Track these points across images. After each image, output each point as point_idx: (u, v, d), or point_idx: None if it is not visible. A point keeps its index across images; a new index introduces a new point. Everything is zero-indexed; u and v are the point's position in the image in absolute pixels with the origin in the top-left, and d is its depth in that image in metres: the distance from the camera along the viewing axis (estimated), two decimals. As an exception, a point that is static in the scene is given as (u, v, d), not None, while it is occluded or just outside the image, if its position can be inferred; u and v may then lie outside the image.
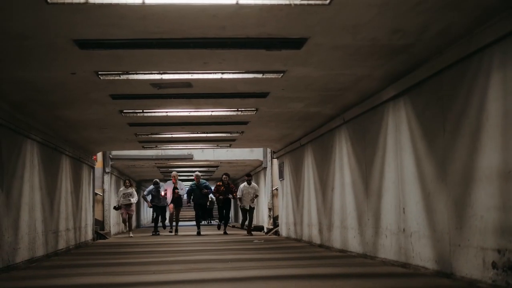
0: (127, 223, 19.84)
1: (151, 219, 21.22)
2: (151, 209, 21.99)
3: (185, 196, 20.16)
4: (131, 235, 19.28)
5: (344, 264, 8.50)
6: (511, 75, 5.21)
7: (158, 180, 21.16)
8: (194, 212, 19.47)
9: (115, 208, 19.60)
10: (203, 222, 45.55)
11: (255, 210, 19.41)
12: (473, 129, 5.87)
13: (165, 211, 21.10)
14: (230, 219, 23.41)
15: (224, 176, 19.00)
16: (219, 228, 19.97)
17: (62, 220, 12.54)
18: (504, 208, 5.30)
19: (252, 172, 26.15)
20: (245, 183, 18.49)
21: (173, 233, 19.61)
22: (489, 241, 5.55)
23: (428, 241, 6.93)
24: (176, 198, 19.65)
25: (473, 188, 5.84)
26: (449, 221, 6.38)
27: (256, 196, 18.44)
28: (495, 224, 5.45)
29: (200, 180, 19.10)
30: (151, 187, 21.01)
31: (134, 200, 19.42)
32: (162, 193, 20.18)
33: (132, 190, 19.55)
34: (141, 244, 14.72)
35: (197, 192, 18.92)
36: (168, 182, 20.16)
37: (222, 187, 18.72)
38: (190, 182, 20.03)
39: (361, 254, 9.35)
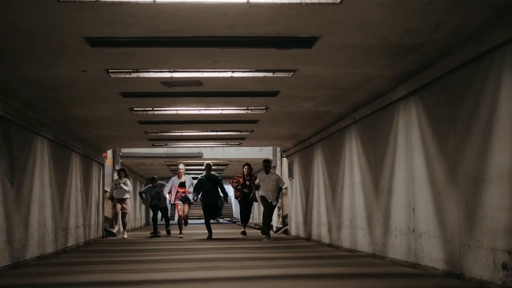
0: (119, 221, 17.32)
1: (152, 219, 18.25)
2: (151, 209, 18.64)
3: (190, 195, 15.97)
4: (125, 236, 16.80)
5: (353, 264, 8.48)
6: (523, 75, 5.18)
7: (156, 177, 18.19)
8: (203, 212, 15.46)
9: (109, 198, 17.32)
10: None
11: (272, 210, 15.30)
12: (484, 129, 5.84)
13: (168, 212, 18.76)
14: (249, 219, 18.83)
15: (245, 167, 16.15)
16: (244, 233, 16.46)
17: (71, 217, 12.59)
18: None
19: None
20: (263, 172, 15.05)
21: (181, 235, 16.33)
22: (500, 242, 5.52)
23: (438, 241, 6.90)
24: (184, 197, 16.11)
25: (484, 189, 5.81)
26: (459, 222, 6.35)
27: (280, 189, 14.88)
28: (506, 225, 5.42)
29: (212, 175, 15.26)
30: (148, 186, 18.41)
31: (127, 188, 16.83)
32: (166, 196, 16.44)
33: (126, 181, 16.90)
34: (150, 242, 14.76)
35: (208, 187, 14.99)
36: (173, 179, 16.36)
37: (241, 179, 16.12)
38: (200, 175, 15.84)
39: (370, 254, 9.33)
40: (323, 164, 12.73)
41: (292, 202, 16.69)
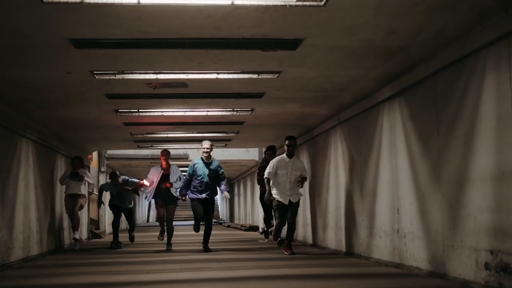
0: (80, 223, 12.98)
1: (112, 224, 13.73)
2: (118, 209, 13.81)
3: (177, 191, 11.70)
4: (76, 236, 12.42)
5: (338, 264, 8.51)
6: (504, 78, 5.24)
7: (117, 173, 13.91)
8: (193, 212, 11.11)
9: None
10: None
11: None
12: (467, 130, 5.89)
13: (132, 216, 14.34)
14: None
15: (266, 152, 12.90)
16: (266, 235, 13.97)
17: (56, 219, 12.53)
18: (497, 210, 5.32)
19: (248, 172, 26.16)
20: (284, 155, 10.19)
21: (166, 247, 11.86)
22: (482, 242, 5.58)
23: (421, 242, 6.95)
24: (165, 192, 11.75)
25: (467, 190, 5.86)
26: (443, 222, 6.41)
27: (303, 179, 10.11)
28: (489, 225, 5.47)
29: (213, 159, 11.06)
30: (108, 182, 14.31)
31: (91, 181, 13.11)
32: (144, 182, 12.27)
33: (83, 171, 12.71)
34: (135, 243, 14.71)
35: (205, 178, 10.87)
36: (154, 168, 12.13)
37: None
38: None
39: (356, 254, 9.36)
40: (308, 165, 12.76)
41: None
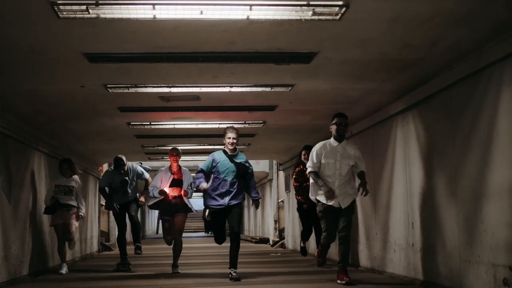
0: (64, 246, 10.00)
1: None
2: (120, 216, 10.57)
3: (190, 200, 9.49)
4: (63, 271, 9.82)
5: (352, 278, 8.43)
6: (522, 91, 5.19)
7: (122, 158, 10.47)
8: (210, 227, 9.82)
9: (46, 210, 9.88)
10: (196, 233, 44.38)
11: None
12: (483, 144, 5.84)
13: (138, 223, 10.60)
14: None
15: (304, 152, 10.52)
16: (304, 252, 11.45)
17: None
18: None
19: (258, 184, 26.13)
20: (331, 139, 7.70)
21: (172, 269, 9.53)
22: (500, 258, 5.51)
23: (437, 257, 6.88)
24: (175, 204, 9.31)
25: (484, 204, 5.80)
26: (459, 237, 6.34)
27: (363, 178, 7.61)
28: (507, 241, 5.41)
29: (239, 152, 8.42)
30: (108, 171, 10.72)
31: (79, 202, 9.98)
32: (151, 195, 9.36)
33: (76, 181, 10.06)
34: (147, 256, 14.67)
35: (229, 176, 8.21)
36: (163, 171, 9.49)
37: (306, 174, 8.92)
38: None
39: (369, 269, 9.29)
40: (320, 178, 12.71)
41: (289, 216, 16.65)
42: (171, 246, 9.56)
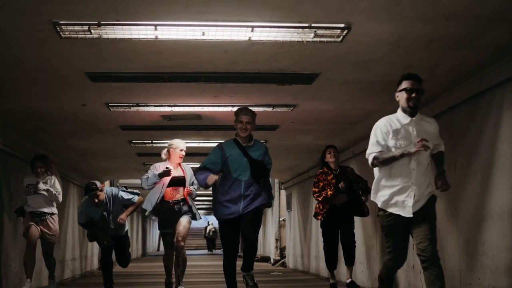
0: (31, 261, 8.06)
1: (101, 262, 9.07)
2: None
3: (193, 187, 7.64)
4: None
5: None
6: (523, 114, 5.20)
7: (95, 184, 8.36)
8: (223, 243, 6.38)
9: (17, 212, 8.23)
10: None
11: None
12: (484, 166, 5.83)
13: (127, 246, 8.98)
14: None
15: (329, 150, 8.31)
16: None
17: (68, 250, 12.49)
18: None
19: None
20: (398, 113, 5.22)
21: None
22: (501, 281, 5.48)
23: (438, 278, 6.84)
24: (178, 209, 7.58)
25: (485, 227, 5.78)
26: (459, 259, 6.31)
27: (440, 155, 5.32)
28: (507, 264, 5.38)
29: (255, 141, 6.38)
30: (84, 202, 8.61)
31: (56, 191, 8.11)
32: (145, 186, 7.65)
33: (53, 181, 8.16)
34: (145, 274, 14.61)
35: (243, 176, 6.14)
36: (156, 166, 7.72)
37: (331, 176, 8.10)
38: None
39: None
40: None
41: (290, 235, 16.61)
42: (174, 254, 7.61)
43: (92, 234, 8.70)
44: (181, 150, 7.67)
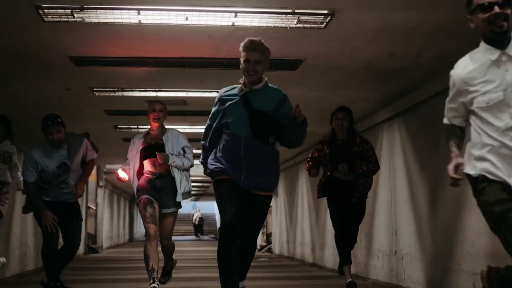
0: None
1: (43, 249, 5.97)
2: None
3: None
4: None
5: (336, 284, 8.47)
6: (504, 102, 5.23)
7: (57, 116, 6.49)
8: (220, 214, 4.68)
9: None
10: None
11: None
12: (465, 154, 5.88)
13: (75, 225, 6.52)
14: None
15: (336, 114, 6.99)
16: (341, 272, 7.16)
17: (54, 234, 12.46)
18: (494, 234, 5.30)
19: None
20: (481, 46, 3.50)
21: (163, 279, 6.67)
22: (480, 266, 5.55)
23: (419, 264, 6.92)
24: (155, 179, 6.25)
25: (465, 213, 5.85)
26: (440, 245, 6.39)
27: None
28: (486, 249, 5.46)
29: (267, 85, 4.76)
30: (31, 153, 6.45)
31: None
32: (119, 173, 6.42)
33: (9, 146, 7.11)
34: (133, 259, 14.66)
35: (242, 132, 4.61)
36: (137, 138, 6.54)
37: (326, 146, 6.88)
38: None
39: (353, 275, 9.31)
40: (307, 184, 12.76)
41: (276, 221, 16.69)
42: (152, 236, 6.16)
43: (32, 205, 6.42)
44: (153, 110, 6.37)
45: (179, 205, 6.37)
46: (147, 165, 6.32)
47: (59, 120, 6.47)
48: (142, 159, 6.31)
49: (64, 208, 6.42)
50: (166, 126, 6.59)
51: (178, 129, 6.76)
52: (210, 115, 4.91)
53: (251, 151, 4.59)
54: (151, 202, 6.20)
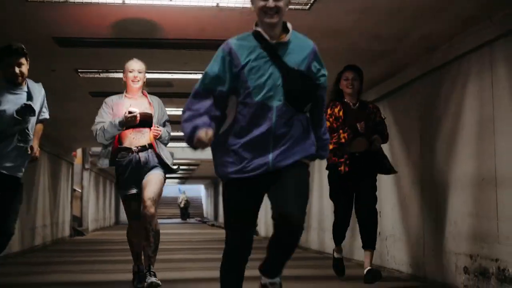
0: None
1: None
2: None
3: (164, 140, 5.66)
4: None
5: (321, 265, 8.54)
6: (487, 84, 5.28)
7: (22, 47, 5.09)
8: (226, 224, 3.51)
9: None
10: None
11: None
12: (449, 136, 5.93)
13: (15, 206, 5.21)
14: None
15: (345, 74, 6.19)
16: (339, 270, 6.63)
17: (39, 216, 12.46)
18: (477, 215, 5.37)
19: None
20: None
21: (147, 280, 5.29)
22: (462, 247, 5.62)
23: (402, 245, 6.99)
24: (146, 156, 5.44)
25: (448, 195, 5.90)
26: (424, 226, 6.45)
27: None
28: (468, 230, 5.52)
29: (294, 33, 3.56)
30: None
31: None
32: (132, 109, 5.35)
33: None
34: (118, 241, 14.67)
35: (274, 99, 3.30)
36: (112, 99, 5.90)
37: (338, 108, 5.99)
38: None
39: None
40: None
41: (262, 203, 16.72)
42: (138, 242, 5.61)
43: None
44: (131, 71, 5.49)
45: (167, 169, 5.43)
46: (130, 136, 5.37)
47: (24, 50, 5.06)
48: (131, 127, 5.35)
49: (5, 182, 5.01)
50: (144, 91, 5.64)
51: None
52: (206, 76, 3.50)
53: (283, 125, 3.32)
54: (136, 195, 5.42)
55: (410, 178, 6.82)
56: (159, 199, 5.33)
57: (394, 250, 7.25)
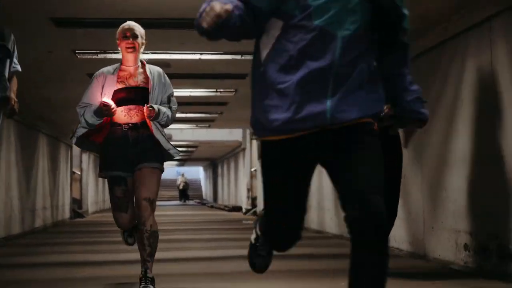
0: None
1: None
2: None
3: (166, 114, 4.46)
4: None
5: (321, 244, 8.58)
6: (485, 61, 5.27)
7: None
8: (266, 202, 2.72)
9: None
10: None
11: None
12: (448, 114, 5.93)
13: None
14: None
15: None
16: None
17: (39, 198, 12.49)
18: (476, 193, 5.38)
19: (231, 153, 26.16)
20: None
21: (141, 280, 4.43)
22: (462, 224, 5.64)
23: (402, 223, 7.01)
24: (133, 137, 4.42)
25: (447, 172, 5.91)
26: (423, 204, 6.47)
27: None
28: (468, 207, 5.53)
29: None
30: None
31: None
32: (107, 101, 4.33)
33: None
34: (112, 222, 14.70)
35: (333, 25, 2.36)
36: (103, 72, 4.84)
37: None
38: None
39: (338, 235, 9.44)
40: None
41: (262, 184, 16.77)
42: (130, 240, 5.11)
43: None
44: (125, 36, 4.60)
45: (161, 160, 4.49)
46: (121, 114, 4.43)
47: None
48: (123, 102, 4.44)
49: None
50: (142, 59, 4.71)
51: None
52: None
53: (348, 64, 2.43)
54: (121, 179, 4.44)
55: (409, 156, 6.82)
56: (156, 198, 4.45)
57: (394, 228, 7.26)
